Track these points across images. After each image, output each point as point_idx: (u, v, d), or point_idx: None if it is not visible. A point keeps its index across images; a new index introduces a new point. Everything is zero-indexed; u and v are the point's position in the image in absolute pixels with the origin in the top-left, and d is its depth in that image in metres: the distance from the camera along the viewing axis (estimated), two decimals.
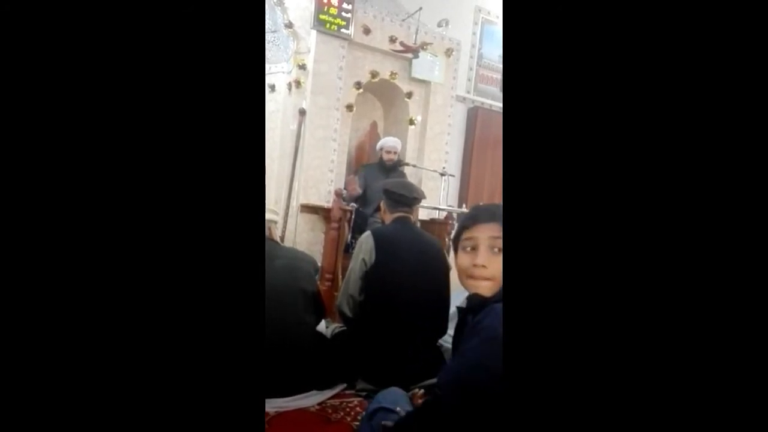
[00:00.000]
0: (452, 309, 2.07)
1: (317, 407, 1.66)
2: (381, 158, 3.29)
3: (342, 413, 1.64)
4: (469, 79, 4.31)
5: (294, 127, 3.23)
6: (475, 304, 0.99)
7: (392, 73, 3.52)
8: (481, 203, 3.28)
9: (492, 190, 4.17)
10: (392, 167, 3.25)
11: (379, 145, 3.35)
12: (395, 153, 3.30)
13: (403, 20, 3.53)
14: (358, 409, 1.69)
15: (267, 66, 3.43)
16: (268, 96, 3.45)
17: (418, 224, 2.61)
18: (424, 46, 3.52)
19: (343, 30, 3.23)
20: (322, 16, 3.16)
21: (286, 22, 3.20)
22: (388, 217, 2.07)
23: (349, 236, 2.93)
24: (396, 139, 3.40)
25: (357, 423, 1.57)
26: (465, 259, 1.01)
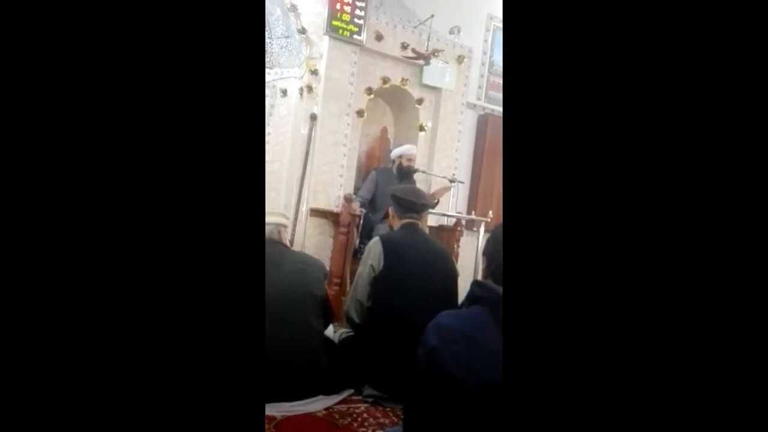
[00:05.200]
0: None
1: (324, 412, 1.67)
2: (399, 165, 3.28)
3: (349, 419, 1.64)
4: (480, 86, 4.30)
5: (305, 131, 3.25)
6: None
7: (403, 80, 3.53)
8: (490, 212, 3.27)
9: (501, 198, 4.16)
10: (407, 174, 3.26)
11: (397, 152, 3.35)
12: (414, 160, 3.32)
13: (415, 27, 3.55)
14: (365, 415, 1.69)
15: (279, 71, 3.46)
16: (280, 100, 3.47)
17: (427, 230, 2.61)
18: (435, 52, 3.53)
19: (355, 36, 3.25)
20: (335, 23, 3.18)
21: (299, 27, 3.22)
22: (397, 223, 2.07)
23: (358, 241, 2.94)
24: (414, 146, 3.42)
25: (364, 429, 1.58)
26: None
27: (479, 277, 1.07)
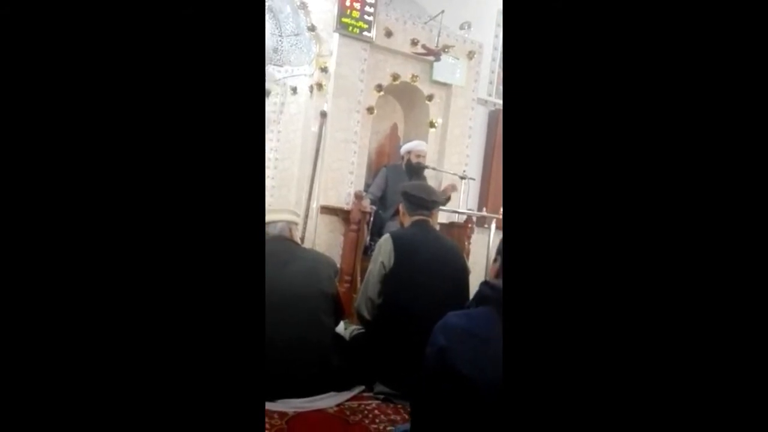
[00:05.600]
0: None
1: (335, 409, 1.67)
2: (408, 161, 3.28)
3: (360, 415, 1.64)
4: (490, 82, 4.28)
5: (315, 129, 3.25)
6: None
7: (413, 76, 3.52)
8: (501, 208, 3.25)
9: None
10: (417, 170, 3.25)
11: (406, 148, 3.35)
12: (423, 157, 3.30)
13: (425, 23, 3.53)
14: (376, 411, 1.69)
15: (290, 69, 3.47)
16: (290, 98, 3.48)
17: (438, 227, 2.60)
18: (445, 48, 3.51)
19: (365, 33, 3.25)
20: (344, 20, 3.18)
21: (309, 25, 3.23)
22: (407, 220, 2.07)
23: (368, 238, 2.94)
24: (423, 142, 3.40)
25: (375, 426, 1.58)
26: None
27: (489, 275, 1.07)
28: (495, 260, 1.03)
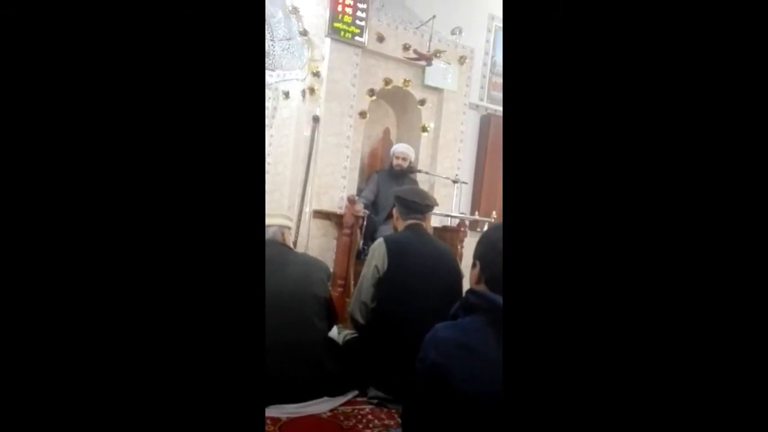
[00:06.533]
0: None
1: (329, 414, 1.67)
2: (390, 165, 3.30)
3: (354, 420, 1.64)
4: (482, 87, 4.30)
5: (307, 133, 3.25)
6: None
7: (405, 81, 3.53)
8: (494, 212, 3.27)
9: None
10: (402, 174, 3.25)
11: (391, 151, 3.37)
12: (404, 159, 3.30)
13: (417, 28, 3.55)
14: (369, 416, 1.68)
15: (282, 73, 3.47)
16: (283, 103, 3.48)
17: (431, 231, 2.61)
18: (437, 53, 3.53)
19: (357, 38, 3.25)
20: (336, 24, 3.19)
21: (301, 30, 3.23)
22: (401, 224, 2.07)
23: (361, 242, 2.94)
24: (407, 145, 3.40)
25: (368, 430, 1.57)
26: None
27: (468, 282, 1.05)
28: (474, 265, 1.01)
